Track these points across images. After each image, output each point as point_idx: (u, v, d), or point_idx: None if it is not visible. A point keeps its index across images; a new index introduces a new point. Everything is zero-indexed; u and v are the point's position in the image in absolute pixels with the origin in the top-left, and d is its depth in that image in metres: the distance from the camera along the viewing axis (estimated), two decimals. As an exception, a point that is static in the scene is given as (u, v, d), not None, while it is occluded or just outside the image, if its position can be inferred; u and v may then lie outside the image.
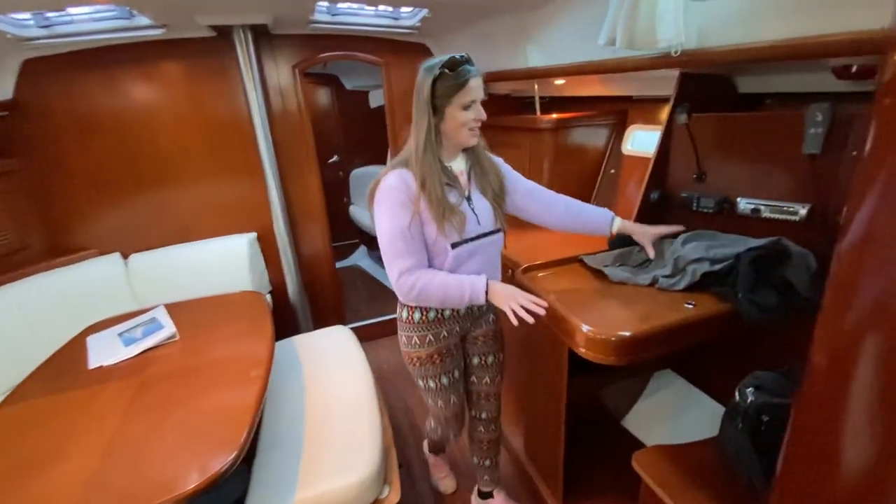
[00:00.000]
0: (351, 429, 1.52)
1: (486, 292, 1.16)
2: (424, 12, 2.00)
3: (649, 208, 1.62)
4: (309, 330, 2.36)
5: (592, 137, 2.15)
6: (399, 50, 2.48)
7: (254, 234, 2.47)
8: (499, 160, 1.37)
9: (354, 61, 2.49)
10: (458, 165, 1.26)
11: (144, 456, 1.15)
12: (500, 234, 1.31)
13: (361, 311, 3.17)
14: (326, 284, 2.81)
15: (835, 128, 1.21)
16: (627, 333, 1.06)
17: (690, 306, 1.19)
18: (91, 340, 1.72)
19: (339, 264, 3.86)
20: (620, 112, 2.18)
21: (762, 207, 1.40)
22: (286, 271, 2.55)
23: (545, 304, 1.11)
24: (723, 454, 1.07)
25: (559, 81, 2.07)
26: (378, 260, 4.00)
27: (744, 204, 1.44)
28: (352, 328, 2.20)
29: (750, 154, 1.41)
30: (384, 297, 3.45)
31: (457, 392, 1.43)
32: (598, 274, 1.43)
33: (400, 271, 1.15)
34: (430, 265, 1.21)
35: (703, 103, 1.46)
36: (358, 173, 4.01)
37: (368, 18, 2.20)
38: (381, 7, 2.14)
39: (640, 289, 1.30)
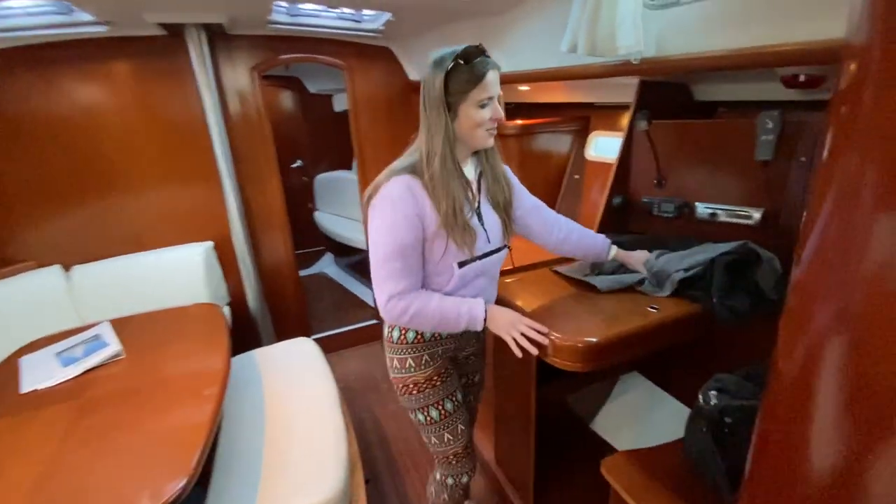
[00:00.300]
0: (314, 446, 1.45)
1: (485, 319, 1.07)
2: (388, 16, 1.97)
3: (612, 213, 1.64)
4: (270, 342, 2.26)
5: (556, 143, 2.17)
6: (362, 53, 2.44)
7: (210, 243, 2.35)
8: (506, 168, 1.21)
9: (317, 64, 2.43)
10: (469, 171, 1.12)
11: (84, 487, 1.05)
12: (506, 252, 1.20)
13: (327, 321, 3.08)
14: (289, 294, 2.71)
15: (784, 135, 1.25)
16: (594, 340, 1.06)
17: (654, 310, 1.20)
18: (24, 362, 1.58)
19: (303, 272, 3.76)
20: (583, 118, 2.21)
21: (719, 212, 1.44)
22: (245, 281, 2.44)
23: (546, 330, 1.05)
24: (688, 457, 1.08)
25: (523, 87, 2.08)
26: (346, 267, 3.92)
27: (702, 209, 1.48)
28: (316, 339, 2.12)
29: (707, 160, 1.45)
30: (351, 305, 3.37)
31: (462, 418, 1.25)
32: (564, 281, 1.43)
33: (390, 295, 1.00)
34: (426, 285, 1.08)
35: (661, 110, 1.49)
36: (323, 178, 3.92)
37: (330, 20, 2.15)
38: (344, 9, 2.09)
39: (605, 294, 1.30)
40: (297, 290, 2.75)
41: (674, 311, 1.19)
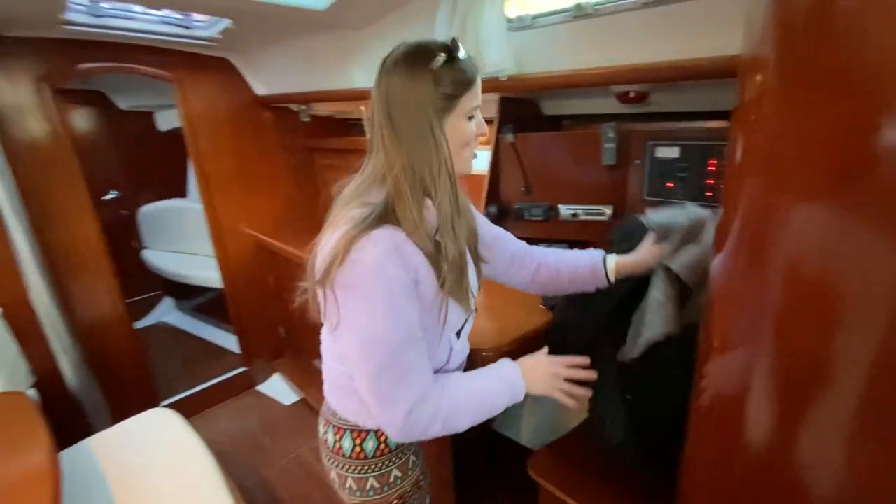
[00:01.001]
0: (198, 540, 1.17)
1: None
2: (226, 23, 1.75)
3: (490, 221, 1.72)
4: (106, 425, 1.77)
5: (424, 157, 2.21)
6: (195, 64, 2.12)
7: (-5, 310, 1.74)
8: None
9: (132, 75, 2.02)
10: None
11: None
12: None
13: (180, 380, 2.57)
14: (124, 356, 2.18)
15: (622, 142, 1.48)
16: (493, 347, 1.08)
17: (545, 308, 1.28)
18: None
19: (137, 325, 3.09)
20: (445, 133, 2.29)
21: (579, 212, 1.63)
22: (57, 351, 1.88)
23: (587, 362, 0.85)
24: (596, 435, 1.17)
25: (386, 103, 2.06)
26: (192, 312, 3.35)
27: (565, 210, 1.65)
28: (170, 406, 1.74)
29: (565, 167, 1.62)
30: (206, 356, 2.88)
31: None
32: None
33: (411, 405, 0.72)
34: None
35: (518, 124, 1.63)
36: (150, 210, 3.29)
37: (150, 24, 1.81)
38: (167, 12, 1.78)
39: (497, 295, 1.34)
40: (135, 348, 2.23)
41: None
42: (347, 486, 0.89)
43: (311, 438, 2.18)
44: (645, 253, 0.96)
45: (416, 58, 0.72)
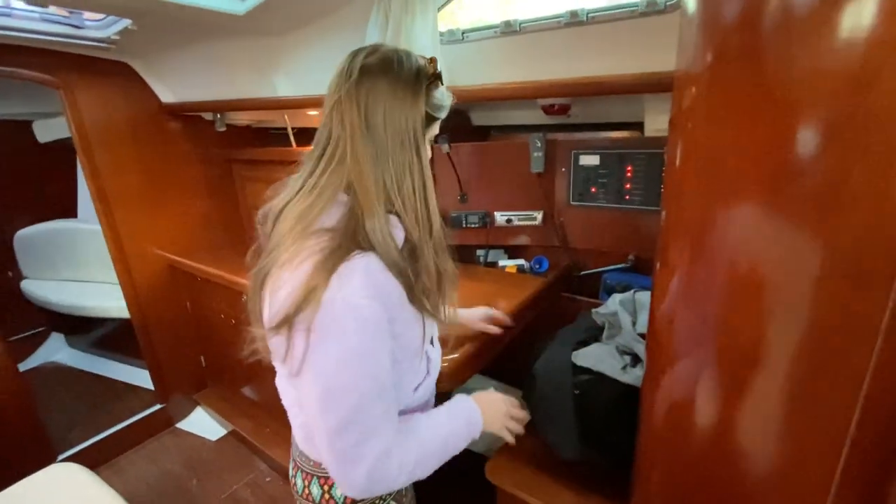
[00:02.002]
0: None
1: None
2: (125, 24, 1.57)
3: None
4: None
5: (355, 168, 2.16)
6: (86, 68, 1.88)
7: None
8: None
9: (5, 80, 1.74)
10: None
11: None
12: None
13: (80, 427, 2.23)
14: (8, 406, 1.85)
15: (549, 151, 1.57)
16: (452, 357, 1.09)
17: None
18: None
19: (21, 367, 2.64)
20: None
21: (513, 218, 1.70)
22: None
23: (523, 409, 0.93)
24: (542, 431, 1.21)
25: (312, 112, 1.98)
26: (88, 347, 2.96)
27: (500, 217, 1.71)
28: (70, 458, 1.51)
29: (498, 175, 1.68)
30: (110, 397, 2.55)
31: None
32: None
33: (378, 455, 0.66)
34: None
35: (449, 134, 1.67)
36: (29, 234, 2.83)
37: (29, 22, 1.57)
38: (53, 9, 1.56)
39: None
40: (21, 395, 1.89)
41: (514, 302, 1.35)
42: None
43: (246, 473, 2.01)
44: (475, 322, 1.14)
45: (410, 67, 0.69)
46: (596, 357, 1.08)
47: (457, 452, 0.79)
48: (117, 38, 1.72)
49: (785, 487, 0.50)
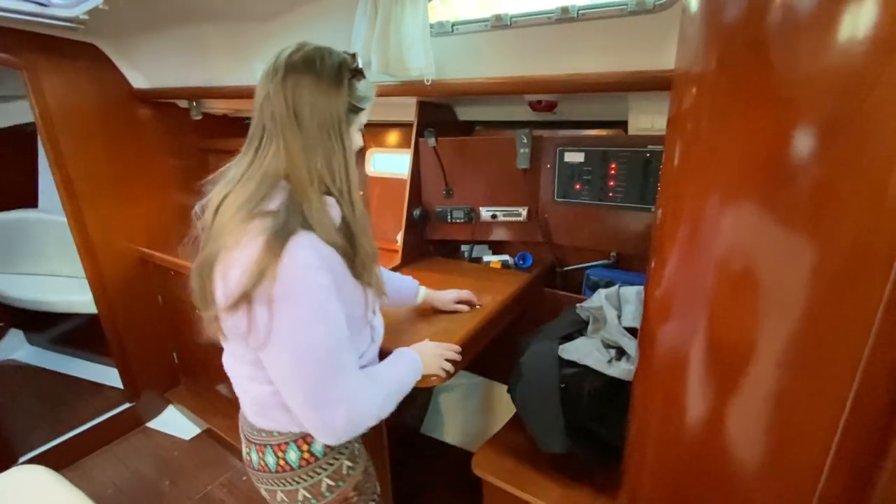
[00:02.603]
0: None
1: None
2: (96, 2, 1.49)
3: (414, 224, 1.72)
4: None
5: (337, 161, 2.12)
6: (52, 49, 1.77)
7: None
8: None
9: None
10: None
11: None
12: None
13: (42, 429, 2.12)
14: (-39, 407, 1.75)
15: (535, 148, 1.58)
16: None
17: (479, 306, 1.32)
18: None
19: (-24, 367, 2.50)
20: (357, 136, 2.22)
21: (498, 213, 1.70)
22: None
23: (458, 348, 1.04)
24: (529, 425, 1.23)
25: (293, 103, 1.93)
26: (50, 344, 2.82)
27: (485, 212, 1.71)
28: (32, 461, 1.44)
29: (483, 171, 1.68)
30: (75, 395, 2.43)
31: None
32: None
33: (351, 398, 0.76)
34: None
35: (435, 128, 1.65)
36: (-15, 225, 2.68)
37: (-13, -3, 1.47)
38: (15, -17, 1.46)
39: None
40: (-24, 396, 1.79)
41: (499, 297, 1.34)
42: (296, 499, 0.88)
43: (221, 473, 1.96)
44: (447, 304, 1.26)
45: (332, 63, 0.77)
46: (582, 351, 1.10)
47: (409, 390, 0.90)
48: (86, 17, 1.63)
49: (775, 479, 0.52)
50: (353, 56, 0.81)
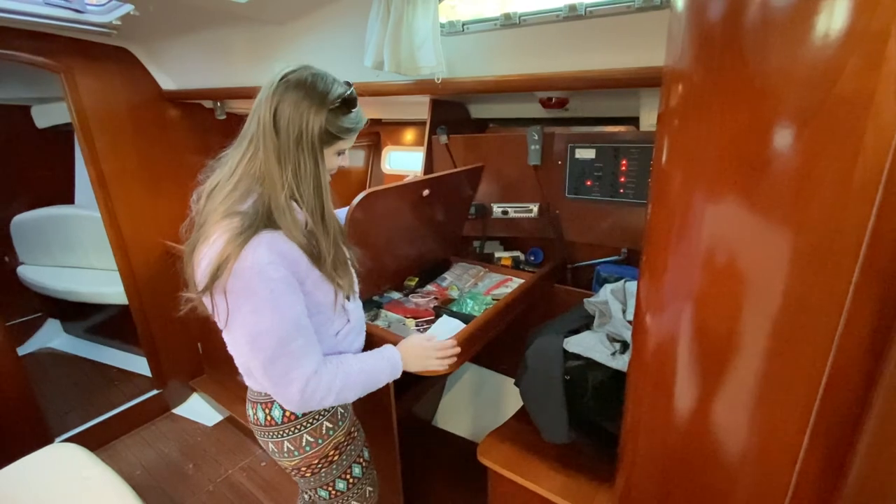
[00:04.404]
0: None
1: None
2: (128, 9, 1.58)
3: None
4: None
5: (354, 158, 2.18)
6: (87, 53, 1.88)
7: None
8: None
9: (4, 63, 1.74)
10: None
11: None
12: None
13: (77, 412, 2.26)
14: (6, 388, 1.87)
15: (546, 144, 1.59)
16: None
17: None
18: None
19: (18, 352, 2.64)
20: (374, 134, 2.28)
21: (509, 210, 1.72)
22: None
23: (453, 344, 1.06)
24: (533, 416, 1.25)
25: (312, 102, 2.00)
26: (85, 333, 2.98)
27: (496, 209, 1.73)
28: (67, 441, 1.53)
29: (495, 167, 1.70)
30: (107, 383, 2.57)
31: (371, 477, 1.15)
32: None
33: (307, 378, 0.85)
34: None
35: (448, 126, 1.69)
36: (26, 220, 2.83)
37: (30, 5, 1.57)
38: (53, -8, 1.56)
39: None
40: (18, 379, 1.91)
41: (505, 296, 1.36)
42: (281, 449, 0.99)
43: (241, 458, 2.04)
44: None
45: (318, 89, 0.83)
46: (586, 344, 1.12)
47: (380, 385, 0.97)
48: (119, 23, 1.73)
49: (757, 460, 0.54)
50: (348, 87, 0.88)
